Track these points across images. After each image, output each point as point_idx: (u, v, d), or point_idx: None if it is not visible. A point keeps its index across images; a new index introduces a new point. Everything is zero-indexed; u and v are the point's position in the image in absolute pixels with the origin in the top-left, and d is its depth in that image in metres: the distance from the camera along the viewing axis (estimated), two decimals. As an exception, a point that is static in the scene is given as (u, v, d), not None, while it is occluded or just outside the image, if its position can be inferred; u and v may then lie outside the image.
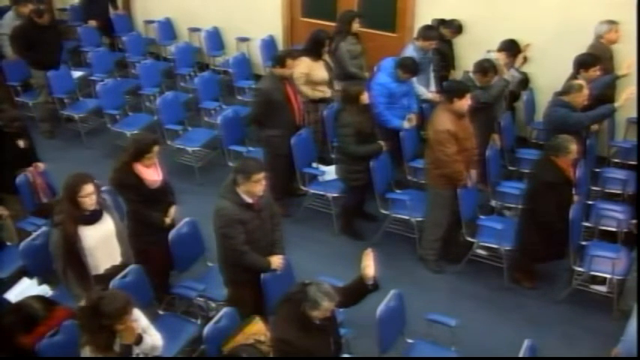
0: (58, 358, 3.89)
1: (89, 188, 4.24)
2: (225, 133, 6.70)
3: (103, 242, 4.40)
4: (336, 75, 6.64)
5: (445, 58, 7.03)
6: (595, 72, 5.94)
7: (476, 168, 5.64)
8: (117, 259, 4.51)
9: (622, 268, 5.13)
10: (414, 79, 6.37)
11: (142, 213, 4.82)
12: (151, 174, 4.77)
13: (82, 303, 3.93)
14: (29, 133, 5.92)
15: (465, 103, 5.21)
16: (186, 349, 4.58)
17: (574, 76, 5.98)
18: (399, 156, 6.32)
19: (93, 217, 4.34)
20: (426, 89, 6.68)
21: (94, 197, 4.28)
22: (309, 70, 6.35)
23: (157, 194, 4.84)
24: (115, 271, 4.45)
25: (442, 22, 7.09)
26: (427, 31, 6.56)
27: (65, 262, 4.28)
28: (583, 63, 5.97)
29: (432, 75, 6.80)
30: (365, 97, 5.67)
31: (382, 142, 5.82)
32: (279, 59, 5.98)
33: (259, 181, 4.24)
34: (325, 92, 6.50)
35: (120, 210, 4.87)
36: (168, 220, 4.92)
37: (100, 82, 7.65)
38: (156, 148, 4.73)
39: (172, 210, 4.99)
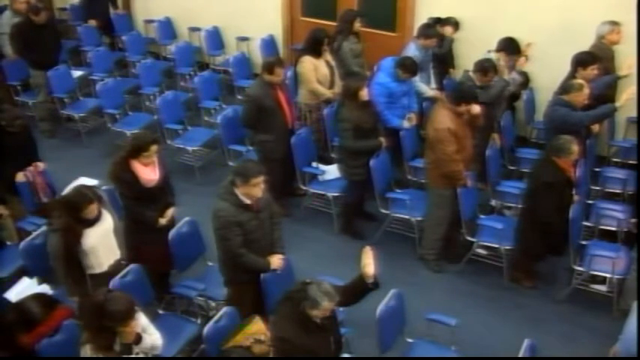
0: (58, 358, 3.89)
1: (93, 207, 4.24)
2: (225, 133, 6.69)
3: (103, 239, 4.41)
4: (339, 74, 6.62)
5: (445, 58, 7.03)
6: (593, 71, 5.92)
7: (474, 167, 5.64)
8: (117, 253, 4.53)
9: (622, 268, 5.13)
10: (417, 77, 6.37)
11: (135, 210, 4.82)
12: (148, 173, 4.77)
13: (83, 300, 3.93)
14: (31, 132, 5.93)
15: (471, 108, 5.22)
16: (186, 349, 4.58)
17: (572, 75, 5.98)
18: (399, 155, 6.32)
19: (94, 220, 4.34)
20: (428, 87, 6.68)
21: (95, 209, 4.28)
22: (315, 68, 6.33)
23: (152, 193, 4.84)
24: (117, 266, 4.47)
25: (438, 21, 7.09)
26: (427, 30, 6.60)
27: (66, 265, 4.29)
28: (581, 61, 5.95)
29: (431, 72, 6.80)
30: (364, 93, 5.64)
31: (382, 139, 5.81)
32: (268, 66, 5.83)
33: (258, 184, 4.23)
34: (334, 91, 6.43)
35: (119, 209, 4.86)
36: (163, 221, 4.91)
37: (100, 82, 7.64)
38: (154, 148, 4.72)
39: (170, 211, 4.98)
